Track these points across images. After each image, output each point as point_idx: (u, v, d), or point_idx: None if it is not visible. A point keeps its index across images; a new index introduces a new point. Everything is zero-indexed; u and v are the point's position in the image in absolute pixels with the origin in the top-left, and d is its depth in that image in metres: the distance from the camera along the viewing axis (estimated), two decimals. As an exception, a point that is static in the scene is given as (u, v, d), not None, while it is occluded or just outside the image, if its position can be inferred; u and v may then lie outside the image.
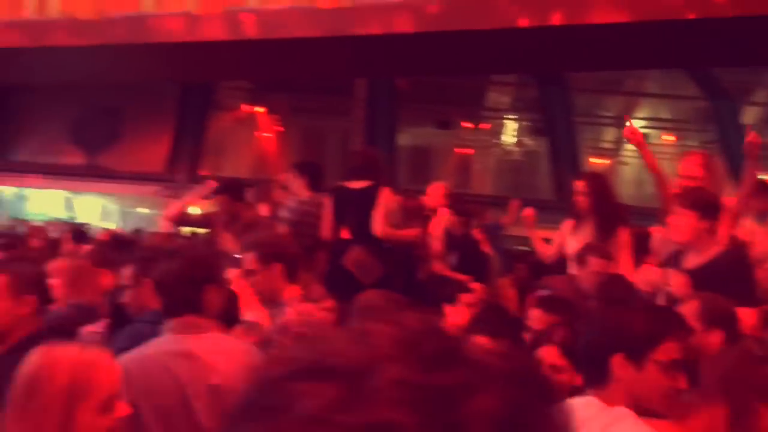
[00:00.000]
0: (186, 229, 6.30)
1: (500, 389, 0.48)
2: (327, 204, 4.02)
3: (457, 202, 6.96)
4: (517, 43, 6.60)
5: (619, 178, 12.91)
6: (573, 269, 3.57)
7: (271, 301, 2.75)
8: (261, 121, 13.69)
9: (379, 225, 3.81)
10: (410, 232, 4.10)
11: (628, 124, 4.37)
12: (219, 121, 13.84)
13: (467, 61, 7.66)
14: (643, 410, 1.59)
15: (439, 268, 4.74)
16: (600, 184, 3.74)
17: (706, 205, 3.05)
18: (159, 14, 6.85)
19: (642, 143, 3.85)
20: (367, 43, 6.70)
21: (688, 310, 2.39)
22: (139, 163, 12.88)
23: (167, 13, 6.84)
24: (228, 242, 3.91)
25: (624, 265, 3.59)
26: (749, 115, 14.27)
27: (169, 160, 13.06)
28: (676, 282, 2.95)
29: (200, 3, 6.74)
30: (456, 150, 15.26)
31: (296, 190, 4.06)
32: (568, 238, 3.81)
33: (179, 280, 2.14)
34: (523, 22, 5.94)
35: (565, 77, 12.87)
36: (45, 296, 2.59)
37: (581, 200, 3.71)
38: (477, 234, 5.42)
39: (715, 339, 2.35)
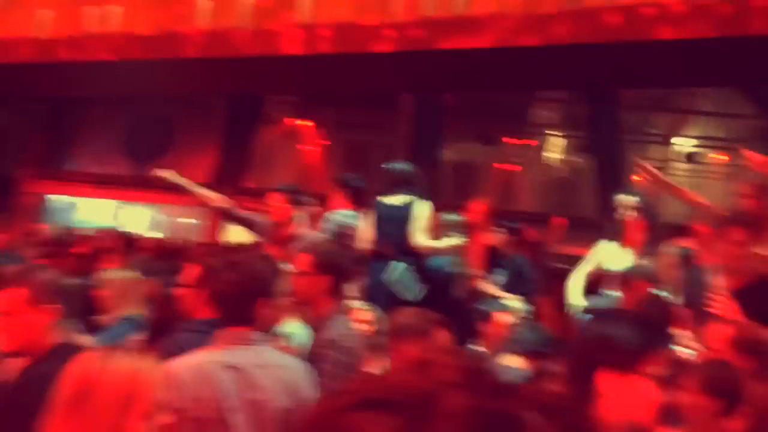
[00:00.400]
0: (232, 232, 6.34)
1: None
2: (368, 218, 4.03)
3: (507, 220, 6.93)
4: (565, 59, 6.54)
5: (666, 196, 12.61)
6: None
7: (307, 308, 2.76)
8: (307, 135, 13.85)
9: (416, 237, 3.80)
10: (450, 243, 4.07)
11: (640, 164, 4.23)
12: (266, 134, 14.07)
13: (515, 77, 7.62)
14: (630, 425, 1.55)
15: (486, 286, 4.69)
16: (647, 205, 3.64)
17: (753, 227, 3.00)
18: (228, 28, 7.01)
19: (659, 180, 3.80)
20: (415, 59, 6.73)
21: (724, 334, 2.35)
22: (187, 175, 13.12)
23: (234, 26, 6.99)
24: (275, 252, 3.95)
25: None
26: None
27: (215, 171, 13.32)
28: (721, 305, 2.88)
29: (225, 15, 6.89)
30: (500, 166, 15.17)
31: (338, 204, 4.08)
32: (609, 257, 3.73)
33: (238, 292, 2.17)
34: (569, 38, 5.88)
35: (613, 94, 12.67)
36: (80, 305, 2.63)
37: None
38: (524, 252, 5.37)
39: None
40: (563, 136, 15.20)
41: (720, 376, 2.12)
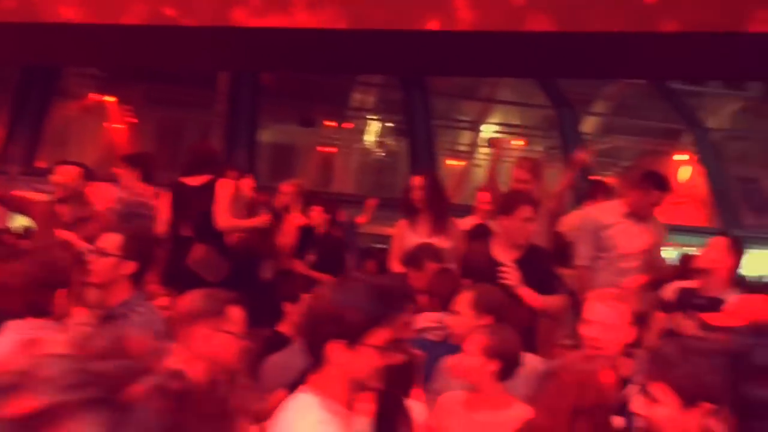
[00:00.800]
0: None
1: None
2: (163, 200, 3.85)
3: (322, 200, 6.99)
4: (383, 45, 6.70)
5: (473, 179, 13.50)
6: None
7: (105, 292, 2.59)
8: (111, 112, 12.92)
9: (220, 217, 3.70)
10: (256, 220, 4.01)
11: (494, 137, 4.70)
12: (63, 110, 12.89)
13: (333, 59, 7.67)
14: (359, 385, 1.68)
15: (297, 265, 4.70)
16: (434, 180, 3.91)
17: (535, 205, 3.35)
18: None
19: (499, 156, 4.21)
20: (232, 36, 6.51)
21: (463, 299, 2.71)
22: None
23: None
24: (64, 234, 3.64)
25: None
26: (588, 124, 15.53)
27: (1, 149, 11.96)
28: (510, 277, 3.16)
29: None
30: (319, 148, 15.29)
31: (128, 183, 3.84)
32: (407, 235, 3.92)
33: (27, 283, 2.07)
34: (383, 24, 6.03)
35: (426, 81, 13.27)
36: None
37: (418, 195, 3.85)
38: (337, 232, 5.45)
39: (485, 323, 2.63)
40: (379, 120, 15.66)
41: (499, 338, 2.33)
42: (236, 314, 2.10)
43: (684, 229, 10.23)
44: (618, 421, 1.96)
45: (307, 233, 5.40)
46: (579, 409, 1.77)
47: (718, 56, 6.55)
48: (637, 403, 1.75)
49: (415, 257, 3.47)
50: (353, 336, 1.63)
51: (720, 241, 3.38)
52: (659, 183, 3.96)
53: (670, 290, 3.37)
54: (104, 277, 2.60)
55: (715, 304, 3.11)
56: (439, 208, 3.72)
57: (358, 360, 1.64)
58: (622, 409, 2.01)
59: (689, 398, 1.61)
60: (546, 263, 3.30)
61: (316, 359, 1.68)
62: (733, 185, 13.88)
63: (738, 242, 3.45)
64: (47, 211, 3.88)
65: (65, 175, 3.76)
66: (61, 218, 3.74)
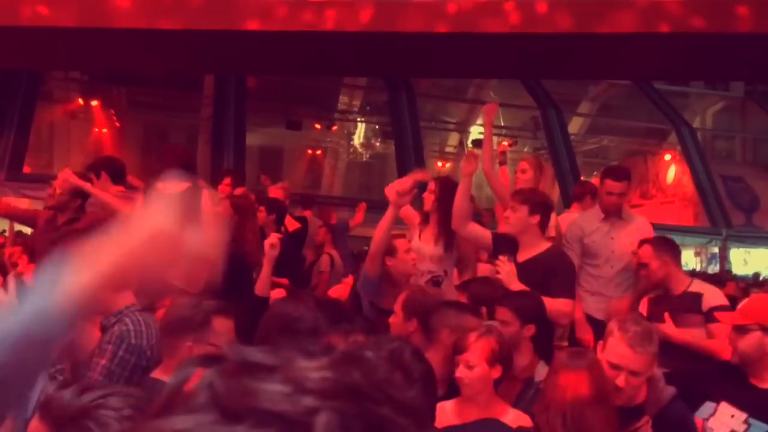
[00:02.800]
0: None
1: None
2: (139, 205, 3.77)
3: (312, 203, 6.88)
4: (369, 46, 6.68)
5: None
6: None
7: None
8: (96, 116, 12.79)
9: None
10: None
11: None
12: (47, 115, 12.73)
13: (316, 61, 7.64)
14: None
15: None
16: (447, 185, 3.72)
17: (537, 203, 3.27)
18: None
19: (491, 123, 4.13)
20: (215, 39, 6.46)
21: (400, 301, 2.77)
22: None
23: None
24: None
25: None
26: (574, 125, 15.60)
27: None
28: (503, 270, 3.12)
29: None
30: (306, 151, 15.23)
31: (103, 188, 3.75)
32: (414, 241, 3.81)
33: None
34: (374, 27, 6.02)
35: (412, 83, 13.25)
36: None
37: (429, 200, 3.68)
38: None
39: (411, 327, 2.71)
40: (366, 122, 15.63)
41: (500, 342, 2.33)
42: (223, 325, 1.99)
43: (672, 228, 10.28)
44: None
45: (299, 236, 5.33)
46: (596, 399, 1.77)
47: (701, 56, 6.62)
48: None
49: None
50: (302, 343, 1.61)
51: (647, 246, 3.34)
52: (609, 172, 3.86)
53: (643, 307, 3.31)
54: None
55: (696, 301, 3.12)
56: (449, 215, 3.53)
57: None
58: None
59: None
60: (556, 266, 3.20)
61: None
62: (719, 184, 13.99)
63: (664, 242, 3.41)
64: (51, 219, 3.81)
65: (59, 181, 3.71)
66: (58, 224, 3.68)
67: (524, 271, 3.14)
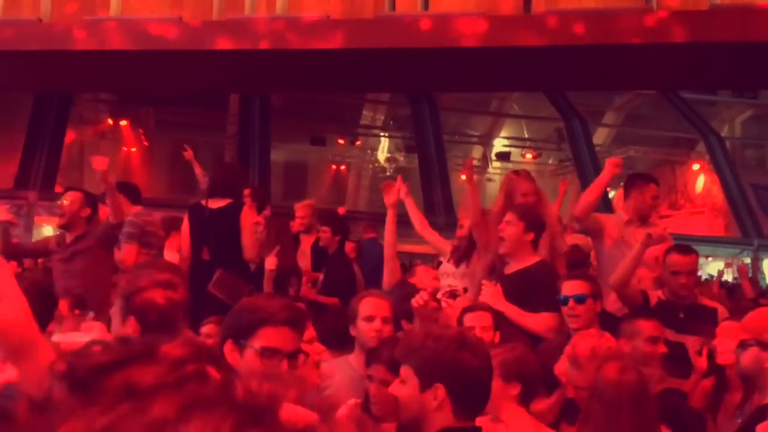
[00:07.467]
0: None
1: None
2: (183, 223, 3.86)
3: (331, 218, 6.87)
4: (390, 62, 6.73)
5: (485, 193, 13.47)
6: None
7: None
8: (125, 136, 13.04)
9: (250, 251, 3.66)
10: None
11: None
12: (78, 135, 13.02)
13: (340, 78, 7.71)
14: None
15: (305, 291, 4.54)
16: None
17: (533, 222, 3.30)
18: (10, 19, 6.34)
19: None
20: (238, 58, 6.56)
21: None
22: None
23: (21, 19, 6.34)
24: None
25: None
26: (600, 136, 15.48)
27: (19, 176, 12.06)
28: (488, 292, 3.14)
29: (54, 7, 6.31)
30: (330, 166, 15.33)
31: (122, 208, 3.85)
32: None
33: None
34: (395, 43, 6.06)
35: (434, 97, 13.30)
36: None
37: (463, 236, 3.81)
38: (350, 251, 5.36)
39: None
40: (389, 137, 15.70)
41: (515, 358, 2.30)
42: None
43: (702, 239, 10.12)
44: None
45: (322, 253, 5.33)
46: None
47: (728, 65, 6.54)
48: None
49: None
50: (240, 338, 1.69)
51: None
52: (649, 178, 3.98)
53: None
54: None
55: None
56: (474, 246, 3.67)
57: (244, 363, 1.67)
58: None
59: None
60: (541, 280, 3.20)
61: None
62: (749, 193, 13.76)
63: None
64: (61, 239, 3.91)
65: (67, 200, 3.79)
66: (67, 243, 3.78)
67: (510, 283, 3.21)
